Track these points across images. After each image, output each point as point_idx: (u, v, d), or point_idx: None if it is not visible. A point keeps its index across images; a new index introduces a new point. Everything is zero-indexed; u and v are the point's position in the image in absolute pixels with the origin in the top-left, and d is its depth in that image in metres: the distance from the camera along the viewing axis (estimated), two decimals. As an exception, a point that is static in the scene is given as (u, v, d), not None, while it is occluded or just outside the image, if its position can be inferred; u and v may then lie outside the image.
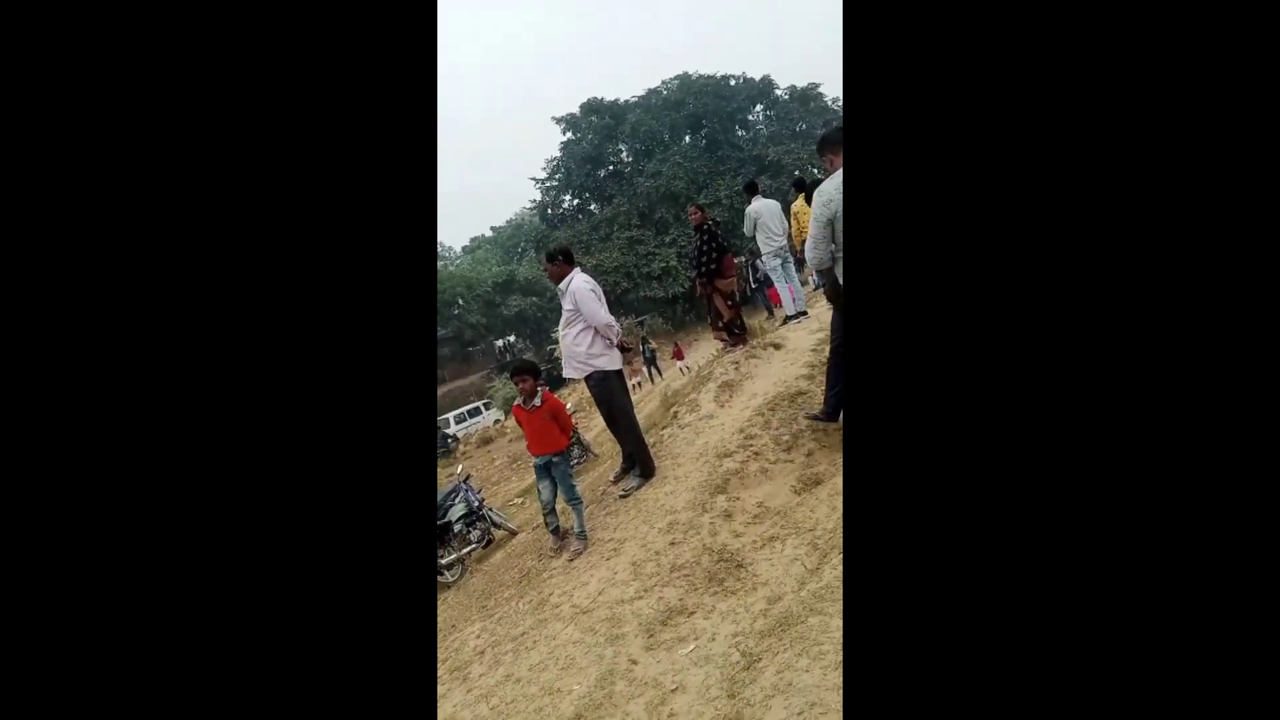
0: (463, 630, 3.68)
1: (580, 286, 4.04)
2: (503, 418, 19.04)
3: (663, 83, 35.72)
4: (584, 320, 4.04)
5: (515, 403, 4.05)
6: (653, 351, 17.21)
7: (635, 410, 4.70)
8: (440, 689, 3.08)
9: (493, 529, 6.11)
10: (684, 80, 35.11)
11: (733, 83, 35.23)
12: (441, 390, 27.84)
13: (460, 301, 27.52)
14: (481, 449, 12.27)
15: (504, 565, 4.90)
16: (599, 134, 33.61)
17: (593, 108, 33.81)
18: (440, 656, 3.47)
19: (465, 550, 5.74)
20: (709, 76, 35.24)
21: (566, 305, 4.08)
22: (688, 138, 34.88)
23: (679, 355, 16.85)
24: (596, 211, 33.04)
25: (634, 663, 2.47)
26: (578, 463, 8.04)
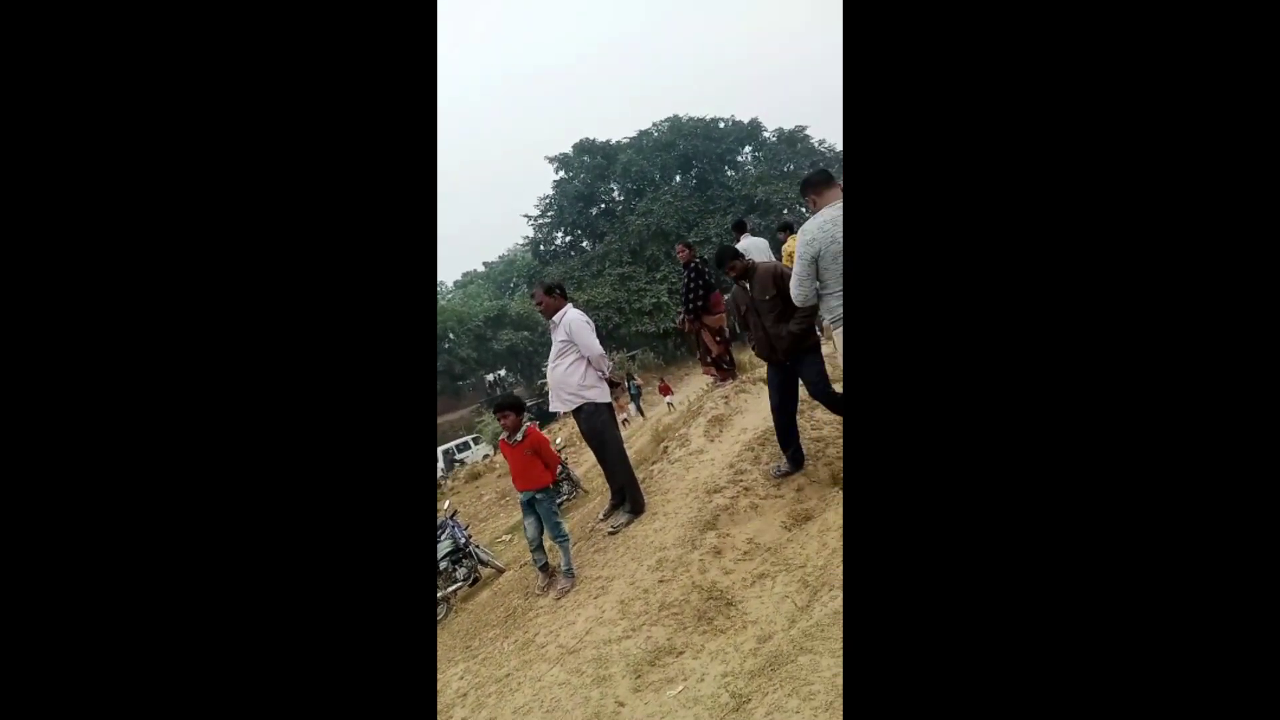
0: (446, 671, 3.57)
1: (576, 318, 4.08)
2: (492, 453, 18.85)
3: (654, 124, 36.68)
4: (576, 352, 4.05)
5: (501, 437, 4.07)
6: (638, 388, 17.18)
7: (625, 445, 4.68)
8: (421, 734, 2.97)
9: (479, 566, 5.99)
10: (674, 122, 36.05)
11: (722, 125, 36.21)
12: (430, 425, 27.53)
13: (451, 335, 27.50)
14: (469, 484, 12.10)
15: (490, 604, 4.78)
16: (591, 173, 34.26)
17: (585, 148, 34.54)
18: (421, 700, 3.35)
19: (450, 589, 5.61)
20: (699, 119, 36.21)
21: (558, 338, 4.10)
22: (678, 177, 35.63)
23: (665, 391, 16.83)
24: (589, 248, 33.44)
25: (621, 705, 2.40)
26: (567, 498, 7.94)
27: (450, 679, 3.40)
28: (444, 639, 4.54)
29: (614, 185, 35.15)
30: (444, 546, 5.88)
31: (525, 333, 30.63)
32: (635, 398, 16.54)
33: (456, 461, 18.09)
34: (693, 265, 5.96)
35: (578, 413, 4.16)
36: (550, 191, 34.59)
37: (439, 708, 3.12)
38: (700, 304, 5.84)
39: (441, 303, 28.92)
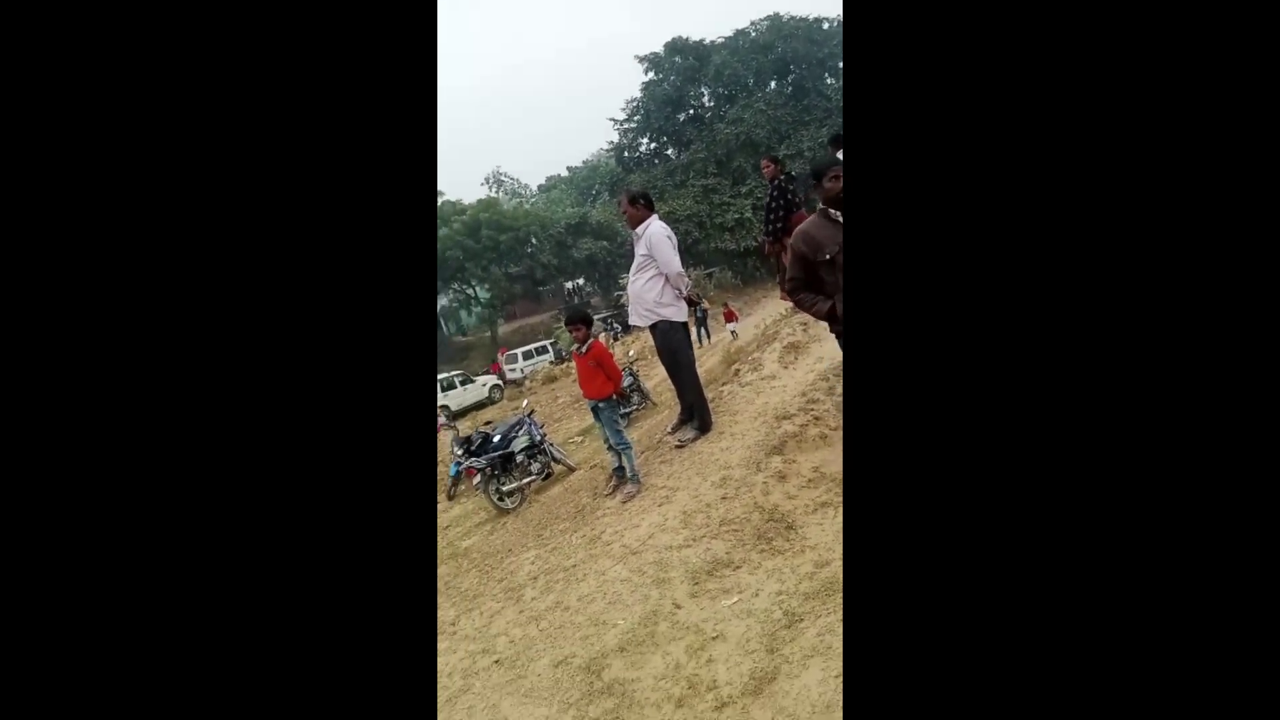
0: (519, 555, 3.91)
1: (658, 232, 4.02)
2: (566, 359, 19.50)
3: (752, 23, 33.82)
4: (656, 267, 4.02)
5: (573, 348, 4.26)
6: (704, 311, 16.84)
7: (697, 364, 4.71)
8: (496, 606, 3.31)
9: (552, 463, 6.37)
10: (774, 21, 33.10)
11: (826, 26, 32.95)
12: (510, 327, 28.61)
13: (534, 240, 27.81)
14: (546, 386, 12.67)
15: (561, 499, 5.12)
16: (681, 76, 32.46)
17: (677, 48, 32.53)
18: (497, 577, 3.71)
19: (525, 481, 6.03)
20: (801, 18, 33.06)
21: (640, 251, 4.07)
22: (774, 83, 33.16)
23: (730, 318, 16.46)
24: (673, 157, 32.28)
25: (678, 607, 2.57)
26: (637, 409, 8.18)
27: (523, 562, 3.72)
28: (517, 526, 4.94)
29: (704, 90, 33.24)
30: (521, 441, 6.26)
31: (605, 242, 30.59)
32: (700, 322, 16.32)
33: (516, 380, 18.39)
34: (777, 182, 5.65)
35: (653, 328, 4.20)
36: (638, 95, 33.20)
37: (511, 586, 3.45)
38: (781, 225, 5.58)
39: (525, 206, 29.14)
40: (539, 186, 48.22)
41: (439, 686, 2.83)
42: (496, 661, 2.78)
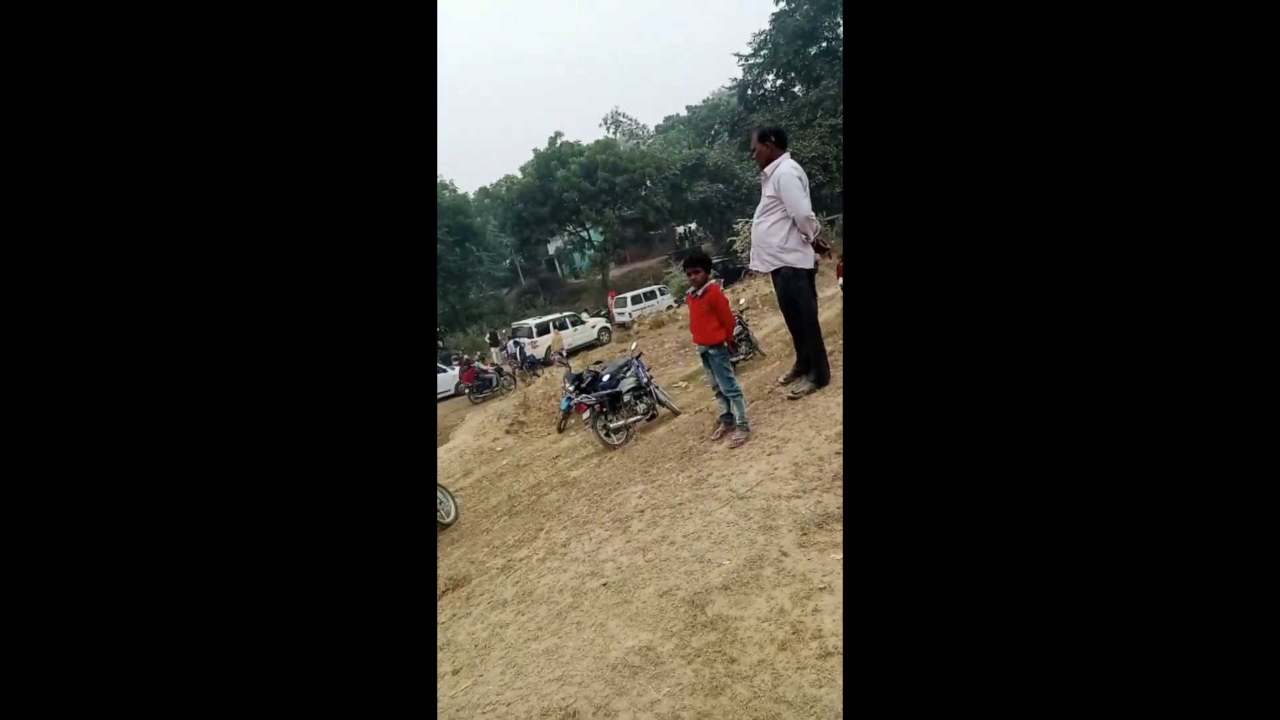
0: (626, 489, 4.04)
1: (788, 172, 3.80)
2: (675, 304, 19.49)
3: (903, -61, 30.22)
4: (783, 210, 3.83)
5: (689, 291, 4.20)
6: (815, 263, 15.80)
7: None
8: (604, 533, 3.47)
9: (657, 405, 6.47)
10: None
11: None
12: (620, 271, 28.93)
13: (648, 183, 27.56)
14: (654, 331, 12.80)
15: (666, 439, 5.21)
16: (816, 5, 30.01)
17: (814, -28, 29.98)
18: (605, 507, 3.87)
19: (631, 420, 6.18)
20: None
21: (767, 192, 3.88)
22: (922, 10, 29.73)
23: (841, 273, 15.46)
24: (801, 94, 30.29)
25: (784, 554, 2.55)
26: (744, 358, 8.06)
27: (630, 496, 3.85)
28: (624, 461, 5.10)
29: (840, 20, 30.60)
30: (628, 382, 6.40)
31: (720, 185, 29.69)
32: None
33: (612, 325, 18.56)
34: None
35: (775, 275, 4.04)
36: (766, 27, 31.18)
37: (619, 517, 3.59)
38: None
39: (642, 148, 28.81)
40: (656, 127, 47.37)
41: (550, 602, 3.03)
42: (604, 584, 2.92)
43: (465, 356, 14.41)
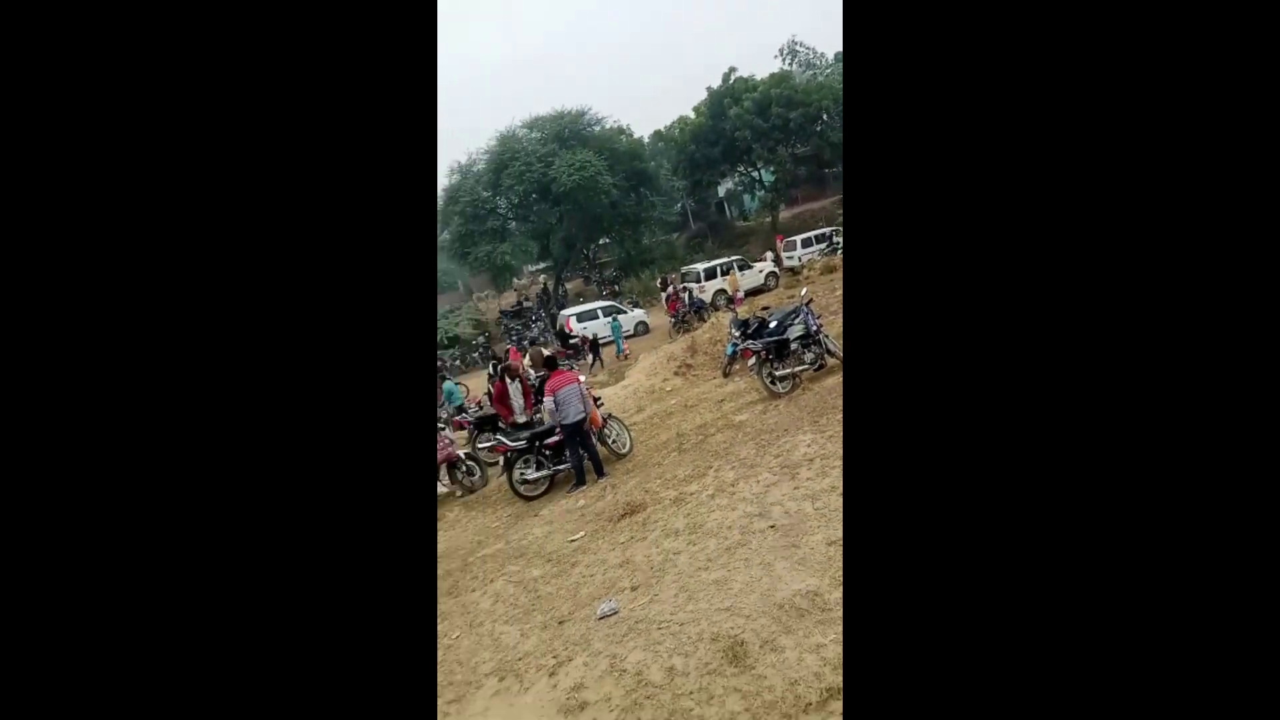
0: (794, 436, 4.06)
1: None
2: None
3: None
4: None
5: None
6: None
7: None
8: (772, 478, 3.55)
9: (826, 355, 6.28)
10: None
11: None
12: (791, 212, 27.67)
13: (824, 117, 25.66)
14: (825, 276, 12.23)
15: (834, 390, 5.08)
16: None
17: None
18: (773, 452, 3.94)
19: (798, 368, 6.08)
20: None
21: None
22: None
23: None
24: None
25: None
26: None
27: (798, 443, 3.87)
28: (790, 409, 5.09)
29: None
30: (796, 329, 6.26)
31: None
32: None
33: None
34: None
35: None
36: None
37: (788, 464, 3.63)
38: None
39: (819, 79, 26.74)
40: (836, 55, 43.53)
41: (720, 537, 3.22)
42: (772, 526, 3.02)
43: (672, 289, 14.86)
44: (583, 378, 6.80)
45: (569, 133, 20.56)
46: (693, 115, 23.69)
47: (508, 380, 6.79)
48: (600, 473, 5.36)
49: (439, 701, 2.53)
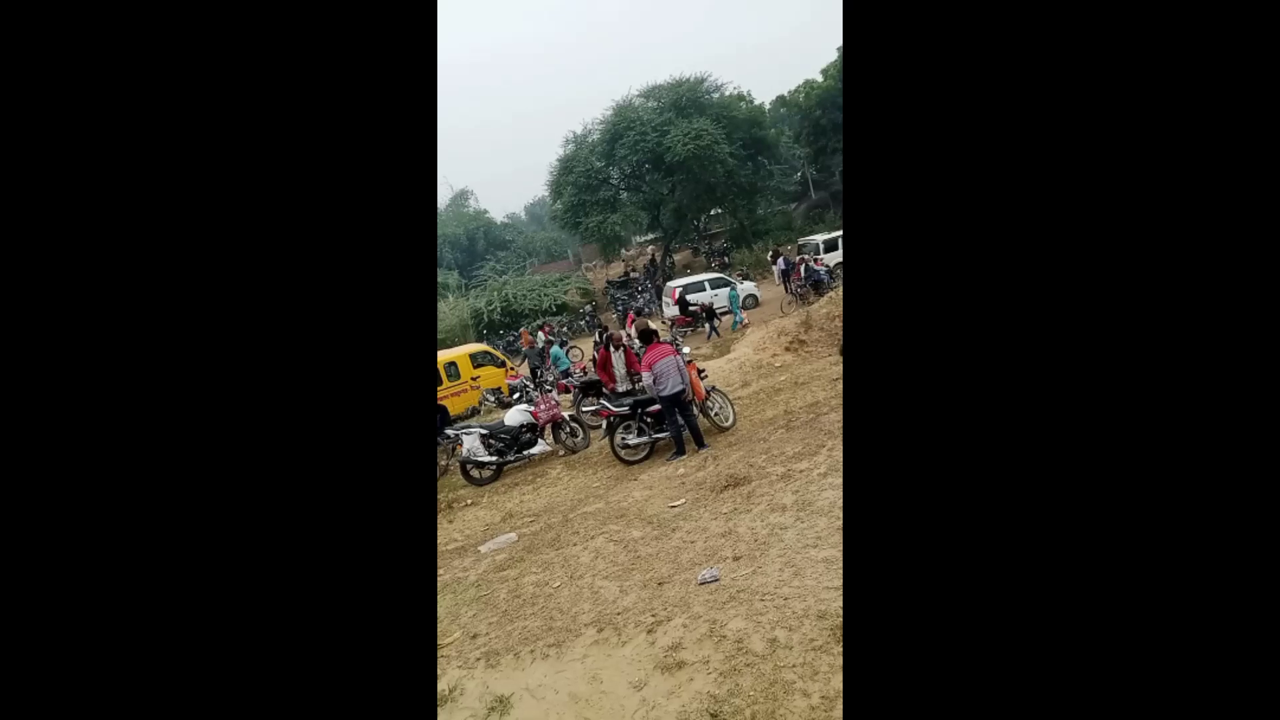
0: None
1: None
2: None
3: None
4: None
5: None
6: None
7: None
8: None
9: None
10: None
11: None
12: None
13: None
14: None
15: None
16: None
17: None
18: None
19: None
20: None
21: None
22: None
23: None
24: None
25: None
26: None
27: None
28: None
29: None
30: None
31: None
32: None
33: None
34: None
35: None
36: None
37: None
38: None
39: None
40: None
41: (830, 516, 3.04)
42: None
43: (783, 260, 14.56)
44: (687, 349, 6.74)
45: (686, 100, 20.14)
46: (820, 79, 22.38)
47: (611, 349, 6.90)
48: (700, 444, 5.31)
49: (539, 645, 2.61)
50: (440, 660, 2.73)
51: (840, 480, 3.36)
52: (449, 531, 5.15)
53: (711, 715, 1.93)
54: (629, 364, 6.66)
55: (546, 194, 24.14)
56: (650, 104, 20.81)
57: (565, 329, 16.35)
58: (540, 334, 14.66)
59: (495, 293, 20.13)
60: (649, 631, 2.47)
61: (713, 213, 23.05)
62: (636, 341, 7.36)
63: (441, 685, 2.50)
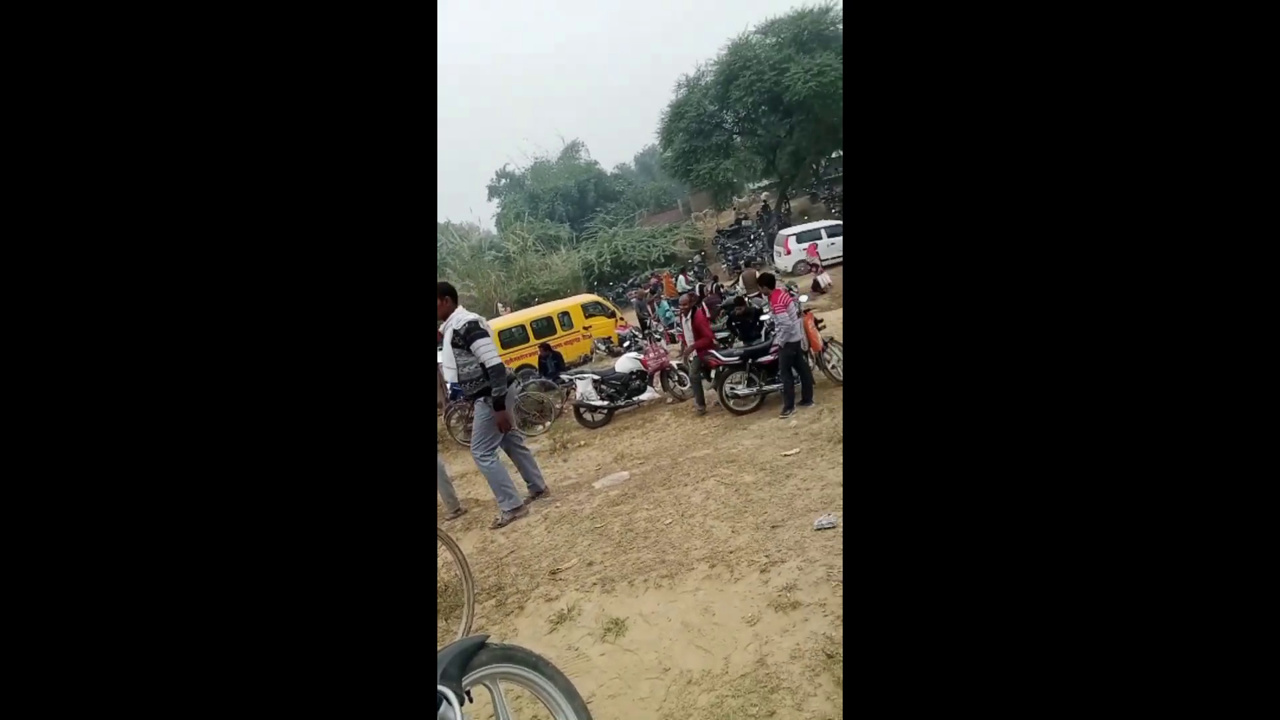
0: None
1: None
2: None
3: None
4: None
5: None
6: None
7: None
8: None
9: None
10: None
11: None
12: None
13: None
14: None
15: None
16: None
17: None
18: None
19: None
20: None
21: None
22: None
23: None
24: None
25: None
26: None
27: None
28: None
29: None
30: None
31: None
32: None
33: None
34: None
35: None
36: None
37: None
38: None
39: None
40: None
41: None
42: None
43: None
44: (804, 298, 6.47)
45: (808, 35, 18.80)
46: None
47: (682, 314, 6.35)
48: (808, 399, 5.15)
49: (653, 575, 2.69)
50: (559, 583, 2.90)
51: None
52: (563, 469, 5.41)
53: (828, 655, 1.90)
54: (699, 328, 5.97)
55: (657, 142, 23.80)
56: (769, 40, 19.64)
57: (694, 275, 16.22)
58: (681, 278, 14.68)
59: (605, 244, 20.40)
60: (762, 571, 2.46)
61: (834, 155, 21.70)
62: (742, 292, 7.16)
63: (561, 605, 2.66)
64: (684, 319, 6.20)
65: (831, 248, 12.79)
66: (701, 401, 6.12)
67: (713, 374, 6.00)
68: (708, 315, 6.74)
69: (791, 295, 5.73)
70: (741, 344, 6.36)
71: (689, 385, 6.49)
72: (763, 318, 6.49)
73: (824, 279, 11.43)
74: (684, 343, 6.42)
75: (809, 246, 13.01)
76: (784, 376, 5.20)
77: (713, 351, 6.05)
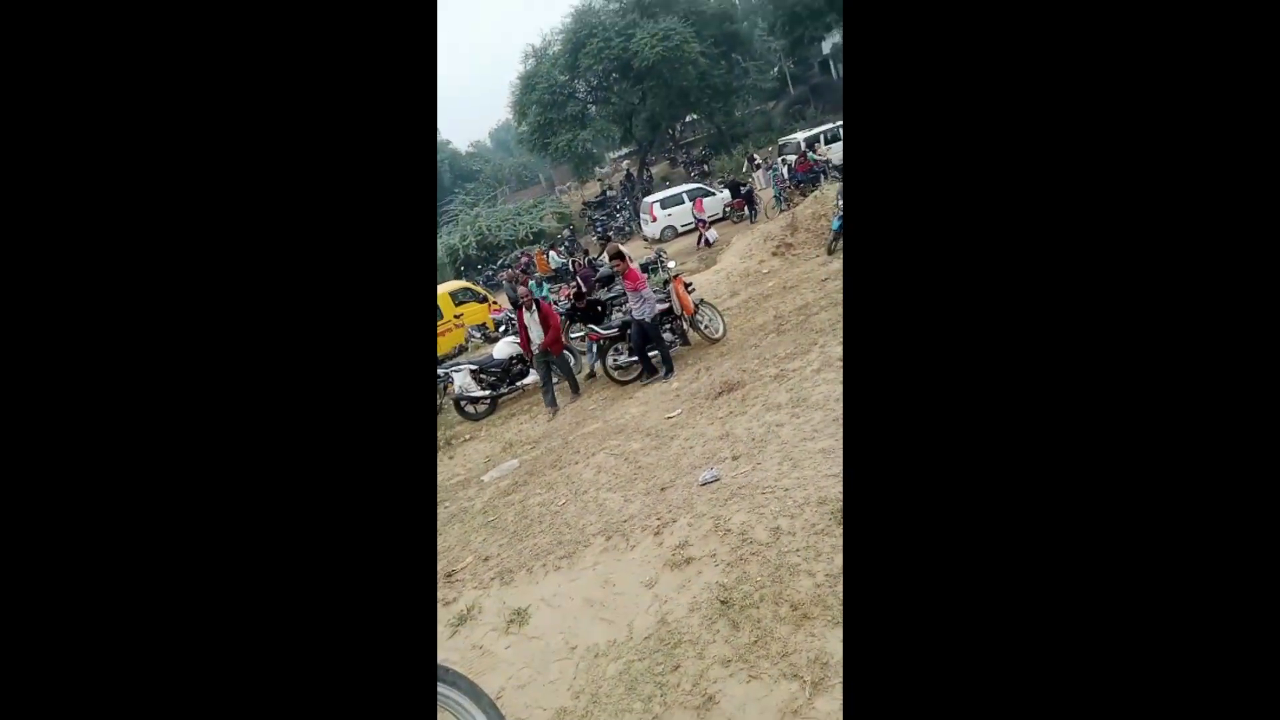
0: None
1: None
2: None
3: None
4: None
5: None
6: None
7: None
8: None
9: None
10: None
11: None
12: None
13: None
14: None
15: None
16: None
17: None
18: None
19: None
20: None
21: None
22: None
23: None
24: None
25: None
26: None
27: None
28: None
29: None
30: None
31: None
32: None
33: None
34: None
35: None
36: None
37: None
38: None
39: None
40: None
41: (825, 409, 3.06)
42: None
43: (736, 178, 14.35)
44: (672, 264, 6.60)
45: (650, -1, 18.84)
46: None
47: (524, 310, 5.81)
48: (670, 371, 5.21)
49: (550, 558, 2.67)
50: (455, 585, 2.80)
51: (834, 375, 3.37)
52: (450, 467, 5.21)
53: (722, 602, 1.99)
54: (546, 322, 5.62)
55: (510, 117, 23.00)
56: (612, 5, 19.47)
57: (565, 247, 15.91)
58: (553, 254, 14.29)
59: (468, 226, 19.53)
60: (655, 534, 2.52)
61: (688, 119, 22.13)
62: (607, 263, 7.15)
63: (459, 607, 2.58)
64: (525, 313, 5.71)
65: (688, 213, 13.17)
66: (554, 403, 5.66)
67: (594, 347, 6.00)
68: (565, 299, 6.58)
69: (660, 261, 5.81)
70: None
71: (542, 386, 5.82)
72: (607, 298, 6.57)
73: (711, 234, 11.77)
74: (525, 340, 5.84)
75: (696, 203, 13.26)
76: (658, 344, 5.32)
77: (591, 326, 6.02)
